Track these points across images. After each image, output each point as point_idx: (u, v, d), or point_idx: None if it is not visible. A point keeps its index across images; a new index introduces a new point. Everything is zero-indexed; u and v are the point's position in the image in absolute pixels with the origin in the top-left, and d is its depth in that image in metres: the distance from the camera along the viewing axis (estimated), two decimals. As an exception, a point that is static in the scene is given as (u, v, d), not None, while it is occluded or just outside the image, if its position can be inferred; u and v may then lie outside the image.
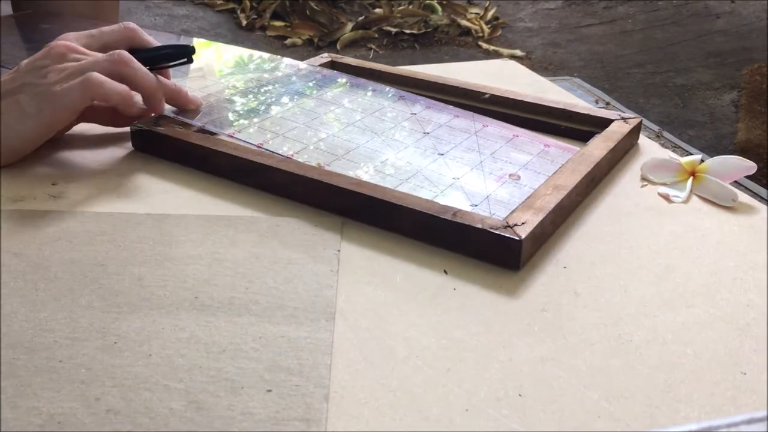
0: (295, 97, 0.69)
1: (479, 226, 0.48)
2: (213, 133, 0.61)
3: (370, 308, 0.44)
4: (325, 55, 0.83)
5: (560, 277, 0.48)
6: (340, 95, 0.70)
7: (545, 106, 0.69)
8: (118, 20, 0.94)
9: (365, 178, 0.55)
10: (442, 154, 0.60)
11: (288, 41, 3.28)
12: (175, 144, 0.60)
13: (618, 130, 0.64)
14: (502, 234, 0.48)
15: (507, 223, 0.49)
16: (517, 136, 0.63)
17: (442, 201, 0.52)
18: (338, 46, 3.21)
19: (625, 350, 0.42)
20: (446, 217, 0.49)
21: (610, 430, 0.36)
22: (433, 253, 0.50)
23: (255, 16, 3.51)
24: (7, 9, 0.98)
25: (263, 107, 0.67)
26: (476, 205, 0.52)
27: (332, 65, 0.81)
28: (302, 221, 0.53)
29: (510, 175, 0.57)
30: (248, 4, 3.56)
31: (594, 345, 0.42)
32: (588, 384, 0.39)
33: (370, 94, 0.70)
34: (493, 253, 0.49)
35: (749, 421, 0.33)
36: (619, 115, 0.67)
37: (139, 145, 0.63)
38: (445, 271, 0.48)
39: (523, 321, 0.44)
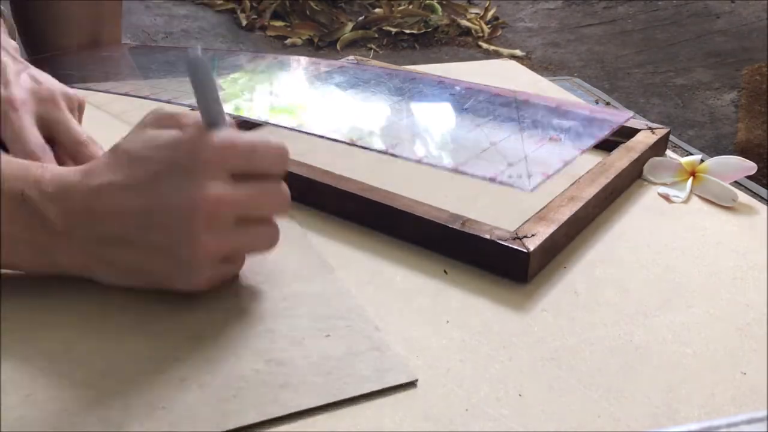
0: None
1: (487, 236, 0.47)
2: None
3: (371, 308, 0.44)
4: (351, 57, 0.83)
5: (569, 289, 0.47)
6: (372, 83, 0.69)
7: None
8: (120, 25, 0.94)
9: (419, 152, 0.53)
10: (479, 125, 0.57)
11: (288, 41, 3.28)
12: None
13: (643, 140, 0.62)
14: (510, 246, 0.46)
15: (516, 234, 0.47)
16: (560, 106, 0.61)
17: (478, 164, 0.50)
18: (338, 46, 3.21)
19: (625, 350, 0.42)
20: (454, 227, 0.48)
21: (610, 430, 0.36)
22: (438, 260, 0.49)
23: (255, 16, 3.51)
24: (7, 9, 0.98)
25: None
26: (513, 164, 0.49)
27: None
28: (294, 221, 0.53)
29: (550, 138, 0.54)
30: (248, 4, 3.56)
31: (594, 345, 0.42)
32: (588, 384, 0.39)
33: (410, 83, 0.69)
34: (500, 265, 0.47)
35: (749, 421, 0.33)
36: (647, 125, 0.65)
37: None
38: (445, 271, 0.48)
39: (523, 321, 0.44)
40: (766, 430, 0.33)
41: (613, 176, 0.56)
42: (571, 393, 0.39)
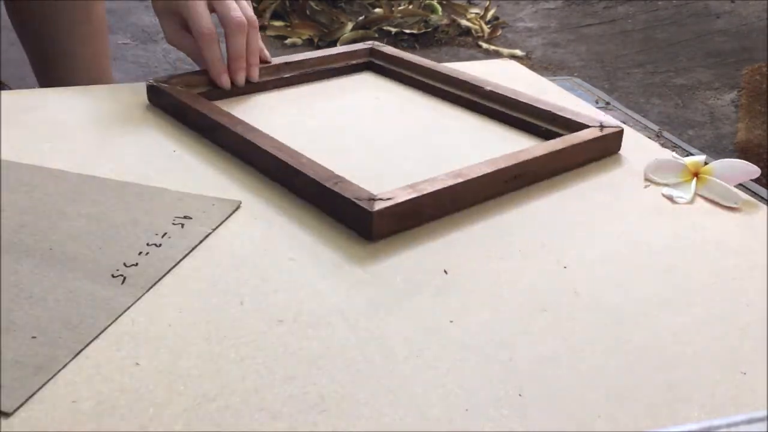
0: None
1: (347, 195, 0.51)
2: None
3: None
4: (370, 42, 0.84)
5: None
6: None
7: (533, 107, 0.68)
8: (106, 25, 0.97)
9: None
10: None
11: (288, 41, 3.28)
12: (171, 101, 0.67)
13: (584, 136, 0.62)
14: (360, 204, 0.50)
15: (374, 196, 0.51)
16: None
17: None
18: (338, 46, 3.20)
19: (625, 350, 0.42)
20: (327, 185, 0.52)
21: (610, 430, 0.36)
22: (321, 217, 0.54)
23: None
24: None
25: None
26: None
27: (371, 53, 0.82)
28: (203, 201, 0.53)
29: None
30: (248, 4, 3.56)
31: (594, 345, 0.42)
32: (588, 384, 0.39)
33: None
34: (356, 224, 0.51)
35: (749, 421, 0.33)
36: (600, 122, 0.64)
37: (152, 100, 0.69)
38: (445, 271, 0.48)
39: (523, 321, 0.44)
40: (766, 430, 0.33)
41: (516, 162, 0.57)
42: (571, 393, 0.39)
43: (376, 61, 0.81)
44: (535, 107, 0.68)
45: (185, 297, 0.44)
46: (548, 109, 0.67)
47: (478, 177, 0.55)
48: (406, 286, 0.46)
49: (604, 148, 0.64)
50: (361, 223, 0.51)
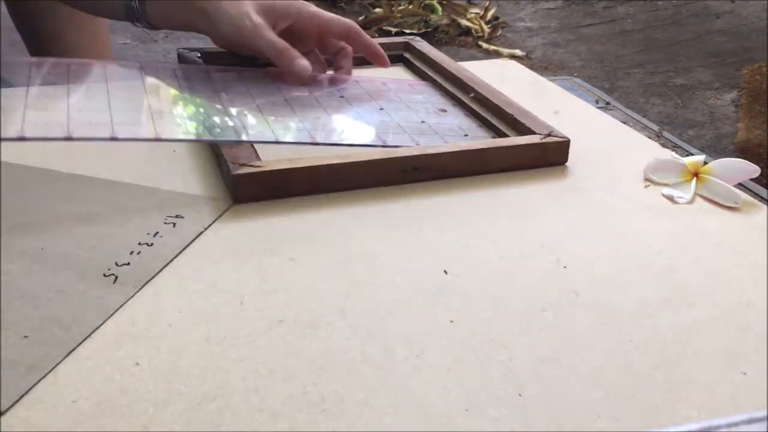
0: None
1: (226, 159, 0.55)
2: None
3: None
4: (410, 37, 0.86)
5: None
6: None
7: (498, 107, 0.67)
8: (107, 25, 0.97)
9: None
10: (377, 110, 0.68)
11: (288, 41, 3.28)
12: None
13: (522, 140, 0.61)
14: (233, 169, 0.54)
15: (245, 162, 0.55)
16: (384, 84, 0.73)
17: (399, 137, 0.62)
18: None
19: (625, 350, 0.42)
20: (222, 147, 0.56)
21: (610, 430, 0.36)
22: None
23: (255, 16, 3.50)
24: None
25: None
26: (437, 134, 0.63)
27: (405, 47, 0.85)
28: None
29: (438, 111, 0.69)
30: (248, 4, 3.55)
31: (594, 345, 0.42)
32: (588, 384, 0.39)
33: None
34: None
35: (749, 421, 0.33)
36: (549, 131, 0.63)
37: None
38: (445, 271, 0.48)
39: (523, 321, 0.44)
40: (766, 430, 0.33)
41: (410, 155, 0.58)
42: (571, 393, 0.39)
43: (408, 57, 0.83)
44: (501, 109, 0.67)
45: (185, 297, 0.44)
46: (510, 113, 0.66)
47: (361, 162, 0.57)
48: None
49: (541, 156, 0.62)
50: (231, 186, 0.55)
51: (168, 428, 0.35)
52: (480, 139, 0.64)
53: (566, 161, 0.63)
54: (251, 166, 0.54)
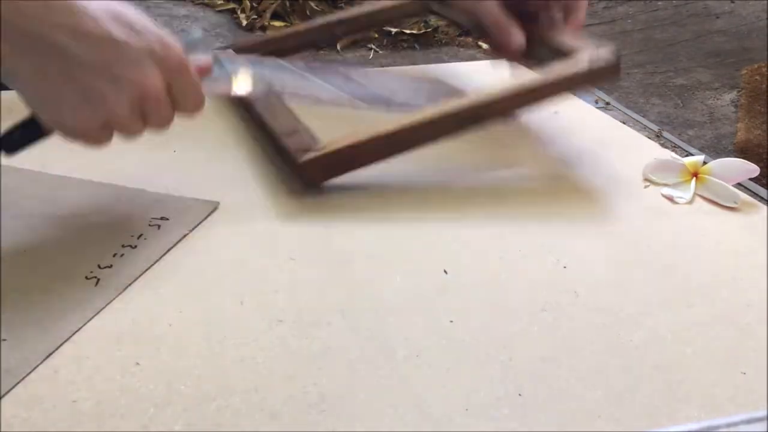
0: None
1: (287, 146, 0.58)
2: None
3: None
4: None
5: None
6: None
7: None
8: None
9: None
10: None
11: (288, 41, 3.28)
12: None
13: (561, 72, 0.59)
14: (294, 156, 0.56)
15: (309, 148, 0.56)
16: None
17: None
18: (338, 46, 3.20)
19: (625, 350, 0.42)
20: (281, 137, 0.59)
21: (610, 430, 0.36)
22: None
23: (255, 16, 3.50)
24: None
25: None
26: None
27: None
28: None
29: None
30: (248, 4, 3.55)
31: (594, 345, 0.42)
32: (588, 384, 0.39)
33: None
34: (296, 171, 0.57)
35: (749, 421, 0.33)
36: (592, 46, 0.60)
37: None
38: (445, 271, 0.48)
39: (523, 321, 0.44)
40: (766, 430, 0.33)
41: (459, 107, 0.57)
42: (571, 393, 0.39)
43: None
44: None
45: (185, 297, 0.44)
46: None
47: (423, 122, 0.56)
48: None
49: (589, 76, 0.59)
50: (301, 173, 0.56)
51: (168, 428, 0.35)
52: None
53: (618, 74, 0.59)
54: (315, 150, 0.56)
